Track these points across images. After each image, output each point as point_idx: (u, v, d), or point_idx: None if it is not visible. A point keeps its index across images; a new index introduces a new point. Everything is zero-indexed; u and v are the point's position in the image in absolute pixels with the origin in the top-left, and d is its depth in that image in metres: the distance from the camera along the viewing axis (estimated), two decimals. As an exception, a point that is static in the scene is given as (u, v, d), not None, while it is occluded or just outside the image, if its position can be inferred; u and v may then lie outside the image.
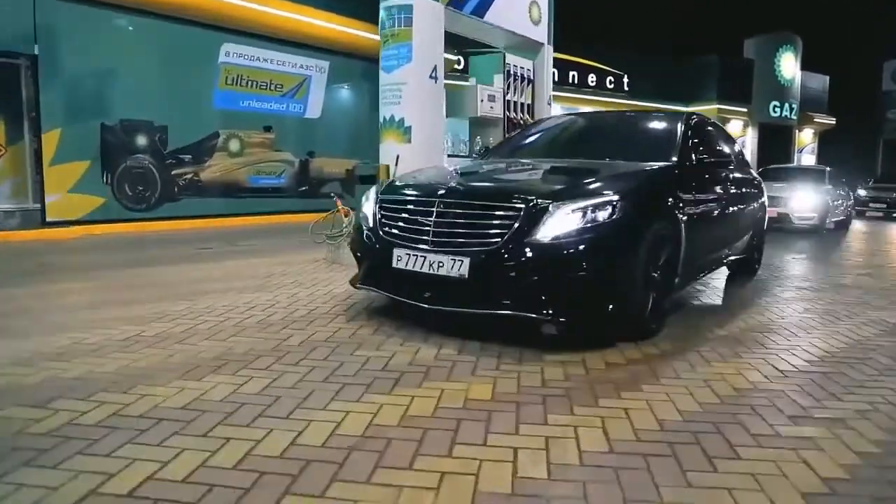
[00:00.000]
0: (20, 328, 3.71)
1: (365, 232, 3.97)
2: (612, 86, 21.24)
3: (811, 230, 10.86)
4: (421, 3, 6.58)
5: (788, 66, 26.30)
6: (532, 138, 5.54)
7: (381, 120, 6.80)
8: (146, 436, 2.25)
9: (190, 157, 11.03)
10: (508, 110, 8.14)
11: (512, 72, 8.27)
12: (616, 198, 3.39)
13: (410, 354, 3.26)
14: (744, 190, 5.56)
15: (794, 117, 26.78)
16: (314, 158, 12.95)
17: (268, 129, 12.15)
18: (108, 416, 2.41)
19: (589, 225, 3.30)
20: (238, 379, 2.86)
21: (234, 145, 11.64)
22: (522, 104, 8.37)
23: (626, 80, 21.53)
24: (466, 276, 3.33)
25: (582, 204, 3.33)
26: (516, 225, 3.29)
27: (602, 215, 3.33)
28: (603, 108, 18.14)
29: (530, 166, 4.48)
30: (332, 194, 6.73)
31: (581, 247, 3.25)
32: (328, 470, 2.02)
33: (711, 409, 2.55)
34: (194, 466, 2.03)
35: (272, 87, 12.20)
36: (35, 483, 1.92)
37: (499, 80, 8.13)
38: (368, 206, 4.05)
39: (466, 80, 9.21)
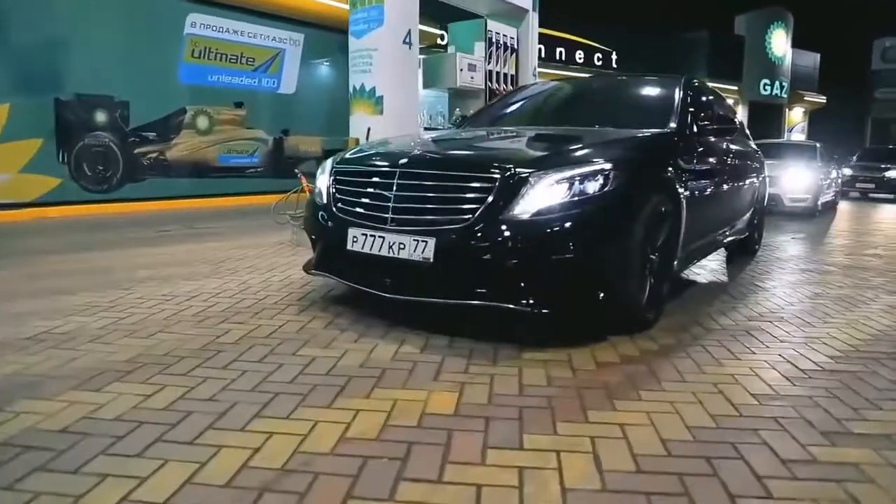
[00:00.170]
0: None
1: (318, 209, 3.43)
2: (600, 62, 20.66)
3: (804, 213, 10.04)
4: (393, -39, 5.99)
5: (779, 43, 25.80)
6: (514, 106, 4.99)
7: (351, 89, 6.24)
8: (-3, 473, 1.72)
9: (154, 134, 10.36)
10: (490, 81, 7.57)
11: (494, 40, 7.70)
12: (608, 166, 2.87)
13: (364, 353, 2.74)
14: (745, 163, 5.07)
15: (785, 95, 26.35)
16: (289, 136, 12.31)
17: (239, 105, 11.48)
18: (-42, 444, 1.88)
19: (576, 198, 2.78)
20: (146, 388, 2.32)
21: (202, 122, 10.98)
22: (505, 74, 7.80)
23: (614, 56, 20.94)
24: (431, 259, 2.80)
25: (568, 173, 2.80)
26: (490, 199, 2.76)
27: (592, 187, 2.80)
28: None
29: (509, 134, 3.95)
30: (297, 171, 6.15)
31: (567, 224, 2.72)
32: (226, 523, 1.51)
33: (728, 424, 2.05)
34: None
35: (243, 61, 11.53)
36: None
37: (480, 48, 7.56)
38: (322, 180, 3.51)
39: (445, 50, 8.62)
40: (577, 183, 2.78)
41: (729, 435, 1.97)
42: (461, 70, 7.22)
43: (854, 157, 16.32)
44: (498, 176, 2.77)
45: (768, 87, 25.52)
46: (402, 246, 2.88)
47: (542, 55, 18.40)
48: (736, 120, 5.31)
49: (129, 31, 9.85)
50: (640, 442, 1.91)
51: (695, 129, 3.98)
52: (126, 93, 9.83)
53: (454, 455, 1.82)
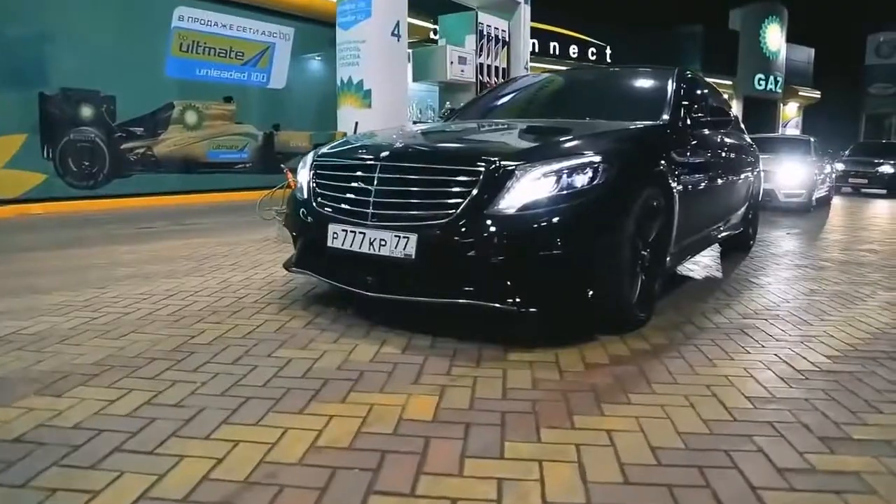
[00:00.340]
0: None
1: (298, 205, 3.31)
2: (594, 57, 20.52)
3: (798, 208, 9.84)
4: (381, -50, 5.86)
5: (774, 37, 25.71)
6: (504, 98, 4.86)
7: (339, 82, 6.11)
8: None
9: (142, 129, 10.19)
10: (481, 74, 7.45)
11: (485, 32, 7.57)
12: (598, 159, 2.76)
13: (343, 354, 2.62)
14: (740, 157, 4.97)
15: (779, 90, 26.27)
16: (279, 131, 12.13)
17: (228, 99, 11.33)
18: None
19: (565, 192, 2.66)
20: (111, 393, 2.21)
21: (190, 117, 10.82)
22: (497, 68, 7.67)
23: (608, 51, 20.81)
24: (413, 256, 2.68)
25: (556, 166, 2.69)
26: (474, 192, 2.64)
27: (581, 180, 2.69)
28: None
29: (497, 126, 3.83)
30: (283, 166, 6.01)
31: (554, 219, 2.61)
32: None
33: (721, 430, 1.95)
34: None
35: (232, 55, 11.36)
36: None
37: (471, 41, 7.42)
38: (303, 174, 3.38)
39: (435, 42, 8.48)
40: (564, 176, 2.66)
41: (722, 442, 1.86)
42: (451, 63, 7.09)
43: (846, 152, 16.08)
44: (482, 169, 2.66)
45: (763, 82, 25.43)
46: (383, 242, 2.76)
47: (536, 50, 18.28)
48: (730, 113, 5.22)
49: (115, 24, 9.68)
50: (629, 450, 1.80)
51: (688, 121, 3.87)
52: (112, 87, 9.66)
53: (430, 465, 1.71)
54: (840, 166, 14.38)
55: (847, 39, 31.89)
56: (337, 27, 6.07)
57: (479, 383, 2.30)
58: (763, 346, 2.83)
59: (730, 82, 24.46)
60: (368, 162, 2.94)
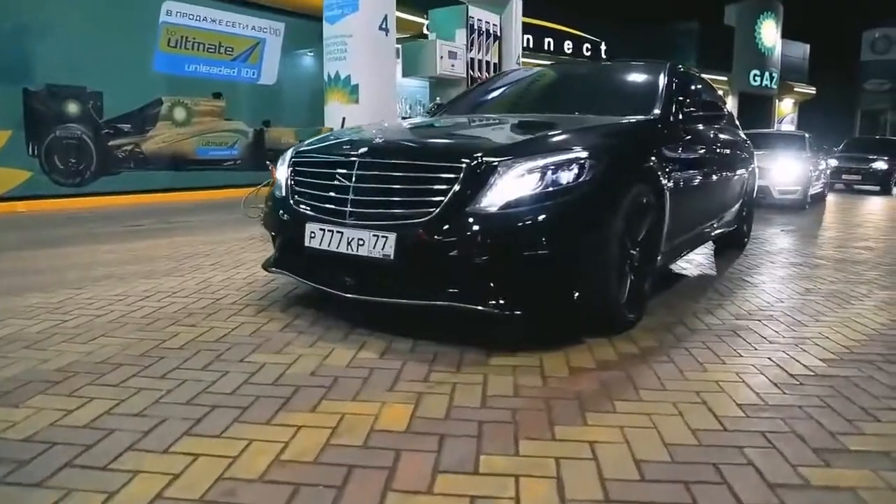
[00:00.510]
0: None
1: (276, 203, 3.20)
2: (588, 53, 20.41)
3: (793, 205, 9.70)
4: (368, -58, 5.74)
5: (769, 33, 25.62)
6: (494, 93, 4.74)
7: (326, 77, 5.98)
8: None
9: (129, 126, 10.04)
10: (472, 69, 7.33)
11: (476, 26, 7.45)
12: (584, 155, 2.65)
13: (318, 359, 2.51)
14: (734, 153, 4.87)
15: (775, 86, 26.17)
16: (270, 128, 12.02)
17: (217, 95, 11.18)
18: None
19: (550, 189, 2.55)
20: (71, 402, 2.09)
21: (179, 114, 10.67)
22: (488, 62, 7.55)
23: (603, 47, 20.70)
24: (392, 256, 2.57)
25: (540, 162, 2.58)
26: (455, 190, 2.53)
27: (566, 176, 2.58)
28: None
29: (483, 121, 3.72)
30: (268, 163, 5.89)
31: (538, 217, 2.50)
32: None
33: (711, 441, 1.84)
34: None
35: (221, 51, 11.21)
36: None
37: (461, 35, 7.30)
38: (281, 171, 3.27)
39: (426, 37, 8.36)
40: (549, 172, 2.55)
41: (711, 454, 1.76)
42: (441, 58, 6.98)
43: (839, 148, 15.85)
44: (463, 165, 2.54)
45: (758, 78, 25.34)
46: (361, 242, 2.65)
47: (530, 45, 18.17)
48: (724, 108, 5.12)
49: (101, 19, 9.52)
50: (612, 463, 1.69)
51: (680, 116, 3.77)
52: (99, 83, 9.51)
53: (399, 481, 1.60)
54: (833, 162, 14.20)
55: (842, 35, 31.84)
56: (324, 21, 5.94)
57: (457, 390, 2.19)
58: (756, 349, 2.73)
59: (725, 78, 24.37)
60: (346, 158, 2.82)
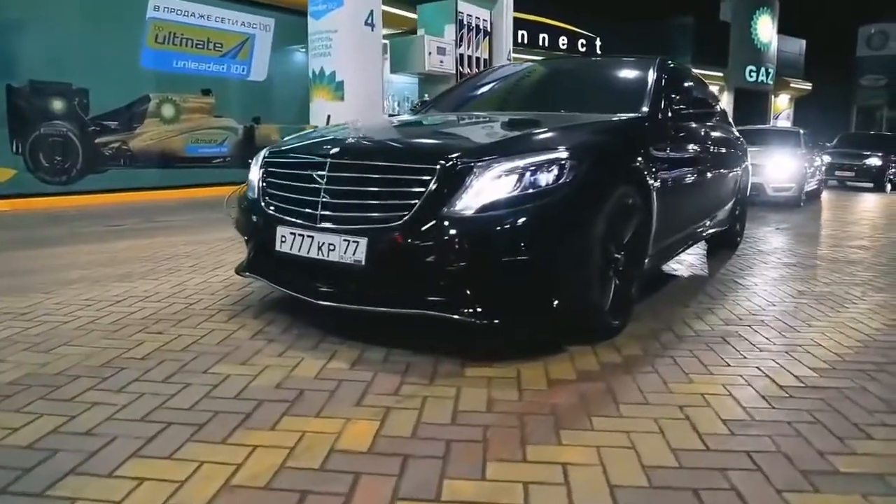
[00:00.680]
0: None
1: (249, 205, 3.08)
2: (584, 48, 20.28)
3: (788, 203, 9.56)
4: (353, -64, 5.61)
5: (765, 28, 25.47)
6: (479, 90, 4.62)
7: (310, 74, 5.85)
8: None
9: (116, 123, 9.89)
10: (461, 65, 7.20)
11: (465, 22, 7.32)
12: (564, 155, 2.53)
13: (285, 370, 2.40)
14: (727, 150, 4.76)
15: (771, 82, 26.04)
16: (260, 125, 11.87)
17: (206, 92, 11.03)
18: None
19: (528, 191, 2.44)
20: (17, 419, 1.97)
21: (167, 110, 10.51)
22: (478, 58, 7.43)
23: (598, 42, 20.57)
24: (363, 262, 2.46)
25: (518, 163, 2.46)
26: (428, 193, 2.41)
27: (546, 178, 2.46)
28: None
29: (464, 119, 3.60)
30: (251, 161, 5.75)
31: (516, 221, 2.38)
32: None
33: (692, 462, 1.73)
34: None
35: (210, 47, 11.05)
36: None
37: (450, 30, 7.17)
38: (254, 172, 3.15)
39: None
40: (528, 174, 2.44)
41: (692, 478, 1.64)
42: (430, 54, 6.85)
43: (832, 144, 15.57)
44: (437, 167, 2.42)
45: (754, 74, 25.21)
46: (331, 247, 2.53)
47: (525, 41, 18.04)
48: (717, 105, 5.01)
49: (87, 14, 9.38)
50: (584, 490, 1.57)
51: (669, 113, 3.65)
52: (85, 80, 9.35)
53: (354, 512, 1.48)
54: (826, 158, 14.01)
55: (838, 31, 31.72)
56: (308, 17, 5.80)
57: (428, 404, 2.08)
58: (745, 358, 2.62)
59: (721, 74, 24.26)
60: (317, 159, 2.70)
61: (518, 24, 17.16)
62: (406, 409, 2.04)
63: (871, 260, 5.11)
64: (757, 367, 2.49)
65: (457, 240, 2.37)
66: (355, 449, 1.78)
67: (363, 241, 2.45)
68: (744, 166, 5.40)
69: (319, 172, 2.64)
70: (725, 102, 24.40)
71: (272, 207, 2.86)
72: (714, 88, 23.67)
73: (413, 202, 2.42)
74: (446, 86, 7.22)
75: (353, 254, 2.47)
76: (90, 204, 8.90)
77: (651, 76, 3.79)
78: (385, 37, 10.06)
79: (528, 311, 2.51)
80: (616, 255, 2.80)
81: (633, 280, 2.99)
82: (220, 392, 2.20)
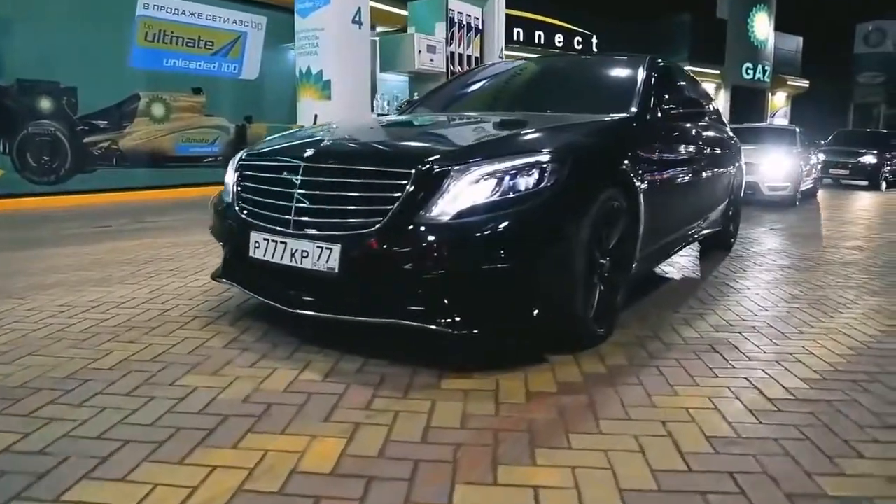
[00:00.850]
0: None
1: (223, 209, 2.99)
2: (580, 46, 20.17)
3: (783, 202, 9.44)
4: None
5: (762, 26, 25.33)
6: (467, 89, 4.53)
7: (297, 73, 5.75)
8: None
9: (106, 122, 9.78)
10: (452, 63, 7.10)
11: (456, 19, 7.22)
12: (546, 158, 2.44)
13: (255, 382, 2.30)
14: (719, 150, 4.67)
15: (768, 80, 25.92)
16: (252, 124, 11.76)
17: (197, 91, 10.93)
18: None
19: (509, 196, 2.35)
20: (-34, 438, 1.88)
21: (157, 109, 10.41)
22: (469, 57, 7.33)
23: (594, 40, 20.45)
24: (336, 269, 2.37)
25: (497, 167, 2.37)
26: (404, 198, 2.32)
27: (525, 182, 2.37)
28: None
29: (447, 120, 3.51)
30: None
31: (495, 227, 2.28)
32: None
33: (672, 485, 1.64)
34: None
35: (201, 45, 10.94)
36: None
37: (441, 28, 7.07)
38: (229, 176, 3.06)
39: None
40: (507, 178, 2.34)
41: (671, 503, 1.55)
42: (419, 52, 6.74)
43: (826, 142, 15.36)
44: (413, 171, 2.33)
45: (751, 71, 25.08)
46: (305, 254, 2.44)
47: (521, 38, 17.94)
48: (710, 104, 4.93)
49: (76, 12, 9.26)
50: (556, 516, 1.49)
51: (659, 113, 3.56)
52: (73, 78, 9.24)
53: (309, 543, 1.39)
54: (821, 156, 13.82)
55: (835, 28, 31.65)
56: (295, 14, 5.71)
57: (399, 420, 1.99)
58: (733, 368, 2.53)
59: (717, 72, 24.16)
60: (291, 163, 2.61)
61: (514, 21, 17.10)
62: (376, 424, 1.95)
63: (866, 262, 5.03)
64: (745, 378, 2.40)
65: (433, 247, 2.28)
66: (318, 470, 1.69)
67: (336, 249, 2.36)
68: (737, 166, 5.32)
69: (293, 177, 2.55)
70: (722, 100, 24.32)
71: (246, 212, 2.77)
72: (711, 86, 23.73)
73: (388, 208, 2.33)
74: (436, 84, 7.13)
75: (327, 261, 2.37)
76: (79, 204, 8.81)
77: (640, 75, 3.70)
78: (378, 34, 9.99)
79: (508, 321, 2.42)
80: (601, 261, 2.71)
81: (619, 286, 2.90)
82: (184, 406, 2.11)
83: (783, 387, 2.33)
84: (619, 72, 4.00)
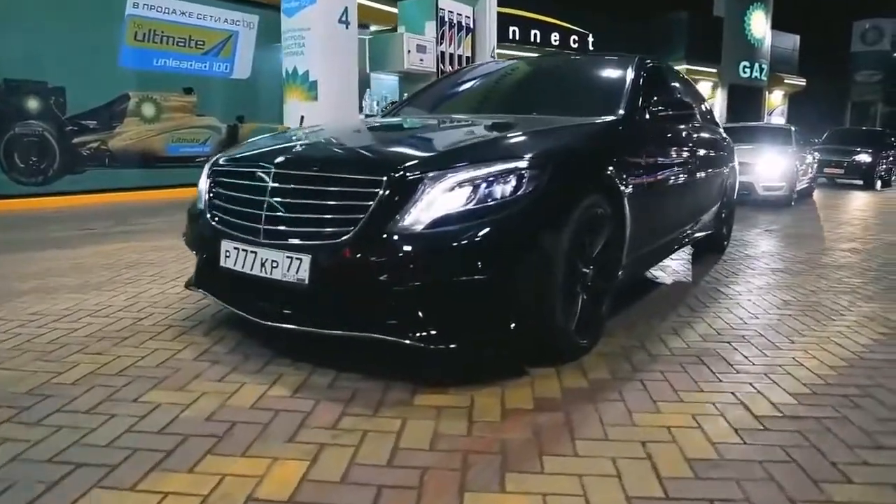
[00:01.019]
0: None
1: (195, 217, 2.90)
2: (576, 45, 20.07)
3: (778, 202, 9.34)
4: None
5: (759, 24, 25.26)
6: (454, 90, 4.43)
7: (284, 73, 5.66)
8: None
9: (95, 122, 9.67)
10: (442, 63, 7.01)
11: (447, 19, 7.12)
12: (524, 164, 2.35)
13: (222, 398, 2.21)
14: (711, 152, 4.58)
15: (765, 78, 25.86)
16: (244, 124, 11.66)
17: (188, 91, 10.82)
18: None
19: (485, 204, 2.26)
20: None
21: (147, 109, 10.30)
22: (460, 56, 7.23)
23: (591, 39, 20.36)
24: (306, 280, 2.27)
25: (473, 174, 2.28)
26: (375, 206, 2.23)
27: (502, 190, 2.28)
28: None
29: (428, 123, 3.42)
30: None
31: (470, 237, 2.19)
32: None
33: (648, 514, 1.55)
34: None
35: (192, 44, 10.82)
36: None
37: (431, 27, 6.97)
38: (202, 182, 2.97)
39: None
40: (483, 185, 2.25)
41: (645, 535, 1.47)
42: (409, 52, 6.64)
43: (820, 140, 15.16)
44: (385, 178, 2.24)
45: (748, 70, 25.01)
46: (274, 264, 2.35)
47: (516, 37, 17.84)
48: (702, 105, 4.84)
49: (64, 10, 9.15)
50: (522, 551, 1.40)
51: (647, 115, 3.47)
52: (61, 78, 9.13)
53: (255, 583, 1.31)
54: (817, 155, 13.61)
55: (832, 26, 31.56)
56: (281, 14, 5.61)
57: (367, 441, 1.90)
58: (720, 381, 2.44)
59: (714, 70, 24.07)
60: (262, 169, 2.52)
61: (509, 19, 17.01)
62: (341, 445, 1.86)
63: (861, 265, 4.95)
64: (732, 393, 2.32)
65: (406, 258, 2.19)
66: (275, 497, 1.60)
67: (307, 259, 2.27)
68: (730, 167, 5.23)
69: (263, 184, 2.46)
70: (719, 98, 24.24)
71: (217, 220, 2.68)
72: (708, 85, 23.61)
73: (359, 217, 2.24)
74: (423, 85, 7.04)
75: (297, 272, 2.28)
76: (68, 205, 8.70)
77: (629, 76, 3.61)
78: (371, 34, 9.88)
79: (485, 334, 2.32)
80: (584, 270, 2.62)
81: (603, 295, 2.81)
82: (144, 425, 2.02)
83: (770, 402, 2.24)
84: (608, 73, 3.91)
